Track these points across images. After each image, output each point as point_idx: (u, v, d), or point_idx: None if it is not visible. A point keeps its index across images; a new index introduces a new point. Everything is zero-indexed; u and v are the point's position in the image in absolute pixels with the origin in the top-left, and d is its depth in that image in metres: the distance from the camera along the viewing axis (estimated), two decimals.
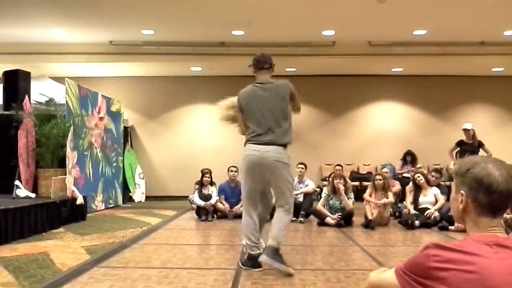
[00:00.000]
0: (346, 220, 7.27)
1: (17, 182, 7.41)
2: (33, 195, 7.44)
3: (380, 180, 7.50)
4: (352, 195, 7.70)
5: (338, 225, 7.15)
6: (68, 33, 9.73)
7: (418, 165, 9.84)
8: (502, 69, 11.98)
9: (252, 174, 4.30)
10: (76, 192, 7.74)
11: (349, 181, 8.10)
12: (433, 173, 8.17)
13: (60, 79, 9.54)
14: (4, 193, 7.36)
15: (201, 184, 8.52)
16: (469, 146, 8.72)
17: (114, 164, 10.60)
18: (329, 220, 7.28)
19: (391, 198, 7.45)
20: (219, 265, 4.54)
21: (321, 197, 8.04)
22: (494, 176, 1.42)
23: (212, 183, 8.56)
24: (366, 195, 7.62)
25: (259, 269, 4.24)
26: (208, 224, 7.70)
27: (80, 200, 7.66)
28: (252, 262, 4.28)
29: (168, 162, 12.53)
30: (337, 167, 10.08)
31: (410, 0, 8.01)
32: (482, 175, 1.44)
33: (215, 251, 5.17)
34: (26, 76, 8.52)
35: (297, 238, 6.53)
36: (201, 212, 8.13)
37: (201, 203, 8.16)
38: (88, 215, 8.05)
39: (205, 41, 10.33)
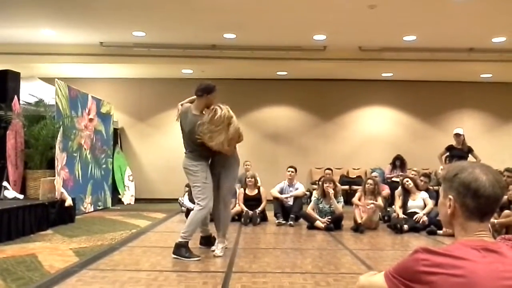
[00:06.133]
0: (335, 223, 7.29)
1: (5, 183, 7.34)
2: (21, 196, 7.37)
3: (371, 184, 7.54)
4: (341, 199, 7.72)
5: (327, 228, 7.17)
6: (58, 33, 9.68)
7: (414, 169, 9.91)
8: (491, 75, 12.12)
9: None
10: (65, 193, 7.68)
11: (338, 185, 8.14)
12: (421, 178, 8.23)
13: (50, 80, 9.47)
14: None
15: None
16: (458, 151, 8.80)
17: (104, 166, 10.55)
18: (318, 223, 7.29)
19: (380, 202, 7.49)
20: (209, 268, 4.54)
21: (310, 201, 8.06)
22: (481, 180, 1.45)
23: None
24: (355, 199, 7.66)
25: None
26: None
27: (68, 202, 7.60)
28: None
29: (158, 164, 12.49)
30: (327, 171, 10.11)
31: (400, 6, 8.09)
32: (469, 180, 1.46)
33: (204, 254, 5.16)
34: (16, 76, 8.44)
35: (287, 241, 6.55)
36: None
37: (191, 205, 8.11)
38: (76, 217, 7.99)
39: (196, 44, 10.34)
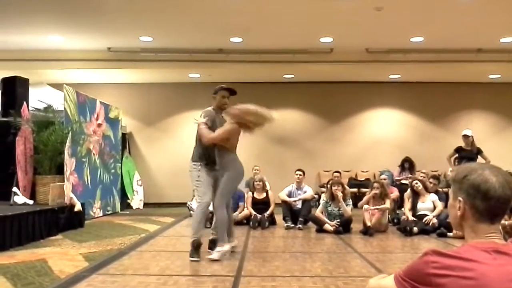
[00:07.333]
0: (344, 226, 7.26)
1: (15, 189, 7.38)
2: (31, 202, 7.41)
3: (377, 188, 7.51)
4: (350, 201, 7.70)
5: (336, 231, 7.14)
6: (67, 39, 9.75)
7: (423, 171, 9.86)
8: (499, 76, 12.03)
9: None
10: (74, 199, 7.72)
11: (347, 187, 8.11)
12: (431, 180, 8.18)
13: (58, 86, 9.54)
14: (1, 200, 7.32)
15: None
16: (467, 153, 8.73)
17: (112, 170, 10.59)
18: (327, 226, 7.27)
19: (387, 204, 7.45)
20: (218, 272, 4.53)
21: (319, 204, 8.04)
22: (491, 182, 1.43)
23: None
24: (362, 203, 7.62)
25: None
26: (206, 230, 7.67)
27: (78, 207, 7.64)
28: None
29: (166, 168, 12.51)
30: (336, 174, 10.08)
31: (407, 7, 8.06)
32: (479, 182, 1.45)
33: None
34: (24, 82, 8.51)
35: (296, 244, 6.53)
36: None
37: None
38: (86, 222, 8.03)
39: (203, 48, 10.36)
